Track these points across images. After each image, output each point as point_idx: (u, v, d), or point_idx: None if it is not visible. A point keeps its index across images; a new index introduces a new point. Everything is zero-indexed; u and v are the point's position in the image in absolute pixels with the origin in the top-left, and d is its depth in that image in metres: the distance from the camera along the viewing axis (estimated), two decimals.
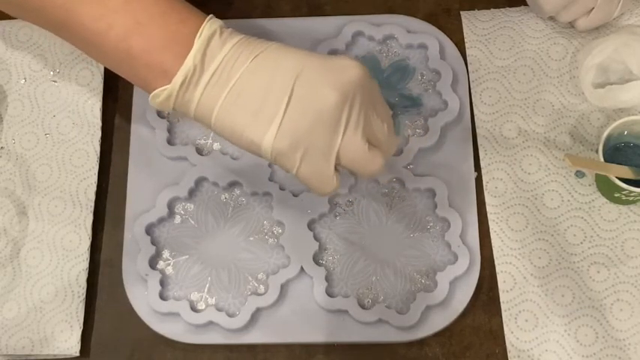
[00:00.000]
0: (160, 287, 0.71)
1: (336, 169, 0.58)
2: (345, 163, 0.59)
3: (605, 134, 0.69)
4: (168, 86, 0.57)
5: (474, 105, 0.77)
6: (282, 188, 0.74)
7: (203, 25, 0.57)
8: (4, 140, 0.78)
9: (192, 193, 0.75)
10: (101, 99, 0.78)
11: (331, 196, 0.73)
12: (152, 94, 0.58)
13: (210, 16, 0.58)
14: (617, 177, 0.67)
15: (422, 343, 0.70)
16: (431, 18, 0.80)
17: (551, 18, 0.78)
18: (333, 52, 0.78)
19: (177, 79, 0.56)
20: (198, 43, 0.56)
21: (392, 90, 0.77)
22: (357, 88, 0.57)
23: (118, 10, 0.57)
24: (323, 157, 0.57)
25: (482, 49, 0.79)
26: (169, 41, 0.57)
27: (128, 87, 0.79)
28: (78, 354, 0.71)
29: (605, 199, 0.72)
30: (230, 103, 0.56)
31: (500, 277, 0.71)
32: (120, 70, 0.61)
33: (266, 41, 0.58)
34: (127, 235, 0.74)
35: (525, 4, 0.79)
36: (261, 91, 0.56)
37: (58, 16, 0.59)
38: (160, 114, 0.78)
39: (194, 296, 0.72)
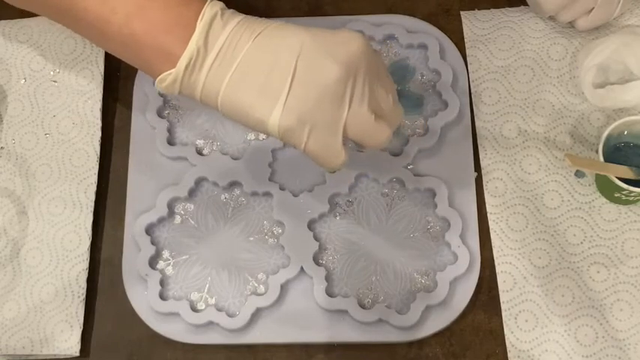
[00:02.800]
0: (160, 287, 0.71)
1: (343, 142, 0.58)
2: (353, 136, 0.59)
3: (605, 134, 0.69)
4: (173, 70, 0.57)
5: (474, 105, 0.77)
6: (282, 188, 0.74)
7: (205, 7, 0.58)
8: (4, 140, 0.78)
9: (192, 193, 0.75)
10: (101, 99, 0.78)
11: (331, 195, 0.73)
12: (158, 79, 0.58)
13: None
14: (617, 177, 0.67)
15: (422, 343, 0.70)
16: (431, 18, 0.80)
17: (551, 18, 0.78)
18: None
19: (182, 62, 0.56)
20: (200, 25, 0.57)
21: None
22: (360, 60, 0.57)
23: None
24: (330, 131, 0.57)
25: (483, 49, 0.78)
26: (172, 24, 0.57)
27: (128, 87, 0.79)
28: (78, 354, 0.71)
29: (605, 199, 0.72)
30: (235, 83, 0.57)
31: (500, 277, 0.71)
32: (125, 55, 0.61)
33: (267, 20, 0.58)
34: (127, 235, 0.74)
35: (525, 4, 0.79)
36: (264, 70, 0.56)
37: (61, 2, 0.59)
38: (160, 114, 0.78)
39: (194, 296, 0.72)
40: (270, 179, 0.74)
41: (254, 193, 0.75)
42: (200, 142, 0.77)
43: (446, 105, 0.76)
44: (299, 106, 0.56)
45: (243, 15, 0.59)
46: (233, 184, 0.75)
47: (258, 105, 0.56)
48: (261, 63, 0.56)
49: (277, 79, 0.56)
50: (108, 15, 0.58)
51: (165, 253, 0.73)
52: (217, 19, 0.57)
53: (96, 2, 0.58)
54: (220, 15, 0.58)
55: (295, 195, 0.74)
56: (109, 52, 0.62)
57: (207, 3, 0.58)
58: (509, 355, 0.69)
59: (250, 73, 0.56)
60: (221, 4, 0.59)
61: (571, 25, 0.77)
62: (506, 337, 0.69)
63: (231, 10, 0.59)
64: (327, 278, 0.71)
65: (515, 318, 0.70)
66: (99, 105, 0.78)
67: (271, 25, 0.58)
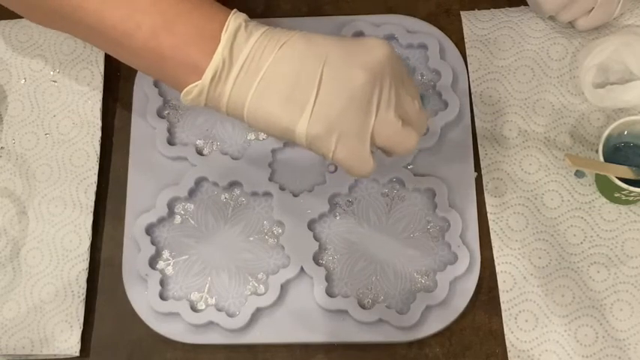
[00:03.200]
0: (159, 287, 0.71)
1: (371, 150, 0.58)
2: (380, 143, 0.59)
3: (605, 134, 0.69)
4: (199, 82, 0.57)
5: (473, 105, 0.77)
6: (282, 188, 0.74)
7: (228, 19, 0.58)
8: (4, 140, 0.78)
9: (192, 193, 0.75)
10: (101, 99, 0.78)
11: (331, 195, 0.73)
12: (184, 92, 0.58)
13: (235, 10, 0.59)
14: (617, 177, 0.67)
15: (422, 343, 0.70)
16: (431, 18, 0.81)
17: (551, 18, 0.78)
18: None
19: (208, 74, 0.56)
20: (225, 37, 0.57)
21: None
22: (386, 67, 0.57)
23: (146, 9, 0.58)
24: (358, 138, 0.57)
25: (483, 49, 0.78)
26: (197, 38, 0.57)
27: (128, 87, 0.79)
28: (78, 354, 0.71)
29: (605, 199, 0.72)
30: (261, 93, 0.56)
31: (500, 277, 0.71)
32: (150, 69, 0.61)
33: (290, 30, 0.58)
34: (127, 235, 0.74)
35: (525, 4, 0.79)
36: (290, 79, 0.56)
37: (88, 21, 0.59)
38: (160, 114, 0.78)
39: (194, 296, 0.72)
40: (270, 179, 0.74)
41: (254, 193, 0.75)
42: (200, 142, 0.77)
43: (446, 105, 0.76)
44: (326, 113, 0.56)
45: (267, 26, 0.59)
46: (233, 184, 0.75)
47: (284, 114, 0.56)
48: (286, 72, 0.56)
49: (303, 87, 0.56)
50: (133, 30, 0.58)
51: (166, 253, 0.73)
52: (241, 31, 0.57)
53: (121, 19, 0.58)
54: (244, 26, 0.58)
55: (295, 195, 0.74)
56: (131, 65, 0.62)
57: (230, 15, 0.58)
58: (509, 355, 0.69)
59: (276, 83, 0.56)
60: (244, 15, 0.59)
61: (571, 25, 0.77)
62: (506, 337, 0.69)
63: (255, 21, 0.59)
64: (327, 278, 0.71)
65: (515, 318, 0.70)
66: (99, 105, 0.78)
67: (295, 35, 0.58)
